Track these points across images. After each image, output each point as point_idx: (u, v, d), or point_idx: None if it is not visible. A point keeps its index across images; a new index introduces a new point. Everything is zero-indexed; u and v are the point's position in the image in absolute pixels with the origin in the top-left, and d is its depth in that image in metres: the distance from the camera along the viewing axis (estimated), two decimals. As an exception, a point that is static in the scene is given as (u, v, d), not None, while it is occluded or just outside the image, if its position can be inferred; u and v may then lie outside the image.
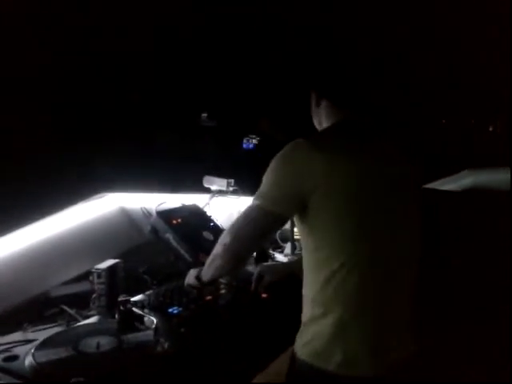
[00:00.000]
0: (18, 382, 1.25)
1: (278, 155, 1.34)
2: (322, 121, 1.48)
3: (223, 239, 1.42)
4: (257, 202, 1.35)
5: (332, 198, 1.28)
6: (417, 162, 1.46)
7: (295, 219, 1.39)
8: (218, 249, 1.44)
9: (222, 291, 1.81)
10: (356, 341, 1.30)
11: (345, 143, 1.35)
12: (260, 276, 1.81)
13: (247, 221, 1.37)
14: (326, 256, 1.31)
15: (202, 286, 1.61)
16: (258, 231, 1.37)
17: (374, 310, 1.33)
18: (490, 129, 2.49)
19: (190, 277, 1.63)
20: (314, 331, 1.34)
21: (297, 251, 2.24)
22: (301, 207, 1.31)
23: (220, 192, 2.44)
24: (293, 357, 1.39)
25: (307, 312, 1.37)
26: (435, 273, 2.16)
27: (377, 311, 1.33)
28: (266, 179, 1.36)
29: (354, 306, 1.31)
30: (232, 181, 2.42)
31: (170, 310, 1.61)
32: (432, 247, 2.28)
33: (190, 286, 1.65)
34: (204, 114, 2.66)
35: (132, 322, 1.54)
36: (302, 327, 1.39)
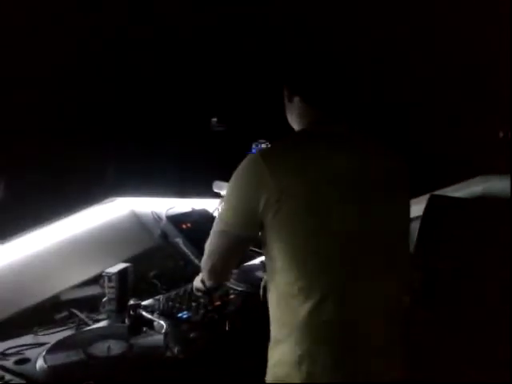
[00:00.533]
0: (30, 384, 1.25)
1: (234, 173, 1.28)
2: (293, 119, 1.38)
3: (204, 263, 1.42)
4: (217, 226, 1.33)
5: (283, 213, 1.19)
6: (398, 164, 1.35)
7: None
8: (202, 260, 1.44)
9: (231, 296, 1.81)
10: (317, 369, 1.19)
11: (304, 153, 1.25)
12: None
13: (214, 243, 1.36)
14: (287, 279, 1.22)
15: (206, 289, 1.61)
16: (225, 253, 1.36)
17: (343, 338, 1.21)
18: (501, 134, 2.47)
19: (197, 280, 1.64)
20: (277, 355, 1.26)
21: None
22: (258, 225, 1.24)
23: (229, 197, 2.44)
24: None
25: (272, 332, 1.29)
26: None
27: (345, 338, 1.21)
28: (224, 200, 1.34)
29: (319, 332, 1.20)
30: (241, 186, 2.41)
31: (180, 315, 1.62)
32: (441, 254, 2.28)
33: (196, 289, 1.66)
34: (214, 119, 2.67)
35: (142, 326, 1.55)
36: (269, 348, 1.31)
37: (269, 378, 1.29)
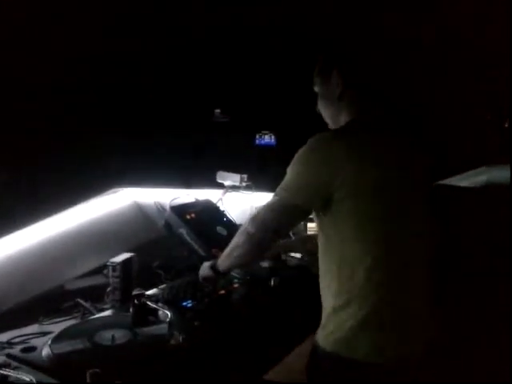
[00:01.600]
0: (36, 371, 1.26)
1: (303, 148, 1.34)
2: (340, 115, 1.45)
3: (246, 228, 1.43)
4: (281, 194, 1.36)
5: (359, 190, 1.28)
6: (430, 154, 1.47)
7: (315, 212, 1.38)
8: (239, 238, 1.46)
9: (236, 285, 1.82)
10: (382, 329, 1.31)
11: (368, 136, 1.35)
12: (272, 271, 1.81)
13: (271, 212, 1.39)
14: (352, 249, 1.31)
15: (216, 276, 1.62)
16: (281, 223, 1.40)
17: (399, 300, 1.34)
18: (506, 125, 2.46)
19: (205, 269, 1.64)
20: (338, 322, 1.34)
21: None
22: (325, 199, 1.31)
23: (233, 187, 2.44)
24: (314, 349, 1.39)
25: (330, 303, 1.37)
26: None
27: (401, 300, 1.34)
28: (291, 171, 1.36)
29: (379, 296, 1.31)
30: (245, 176, 2.42)
31: (184, 304, 1.63)
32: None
33: (204, 278, 1.66)
34: (217, 110, 2.67)
35: (146, 315, 1.56)
36: (324, 319, 1.39)
37: (325, 344, 1.35)
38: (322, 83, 1.48)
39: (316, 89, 1.52)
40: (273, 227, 1.40)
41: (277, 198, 1.38)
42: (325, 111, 1.51)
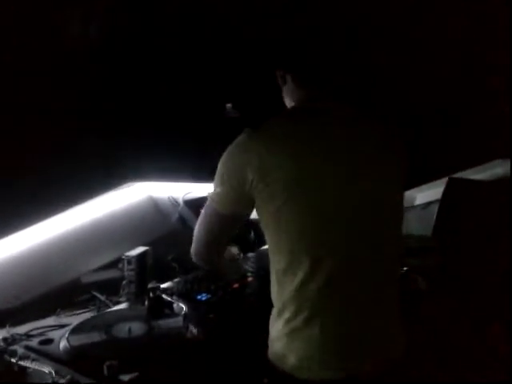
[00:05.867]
0: (54, 363, 1.28)
1: (224, 154, 1.28)
2: (286, 100, 1.39)
3: (192, 243, 1.43)
4: (208, 204, 1.34)
5: (272, 192, 1.19)
6: (390, 140, 1.33)
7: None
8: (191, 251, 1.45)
9: (249, 279, 1.82)
10: (308, 344, 1.21)
11: (291, 129, 1.25)
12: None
13: (203, 224, 1.37)
14: (280, 254, 1.23)
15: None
16: (214, 233, 1.36)
17: (334, 312, 1.22)
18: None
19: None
20: (273, 331, 1.28)
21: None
22: (250, 205, 1.25)
23: (246, 181, 2.44)
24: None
25: (273, 309, 1.30)
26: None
27: (337, 313, 1.22)
28: (215, 179, 1.30)
29: (310, 307, 1.20)
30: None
31: (199, 297, 1.64)
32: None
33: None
34: (229, 105, 2.66)
35: (161, 308, 1.57)
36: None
37: (269, 353, 1.29)
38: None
39: None
40: (207, 241, 1.38)
41: (205, 210, 1.36)
42: (283, 98, 1.42)
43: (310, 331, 1.20)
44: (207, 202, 1.34)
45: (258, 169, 1.19)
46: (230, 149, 1.27)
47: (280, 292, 1.25)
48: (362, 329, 1.24)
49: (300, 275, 1.20)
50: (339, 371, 1.22)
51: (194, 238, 1.41)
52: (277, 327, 1.26)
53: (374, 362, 1.24)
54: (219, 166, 1.29)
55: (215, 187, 1.31)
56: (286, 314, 1.23)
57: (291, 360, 1.22)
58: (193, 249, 1.42)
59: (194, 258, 1.44)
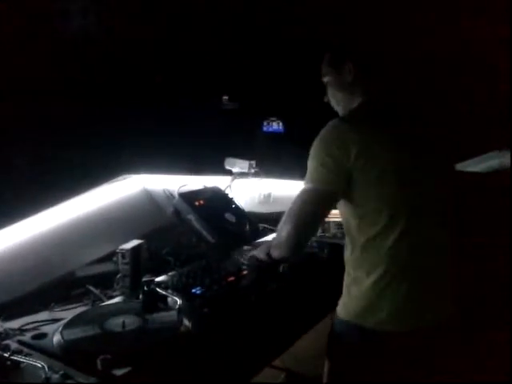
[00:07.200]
0: (47, 358, 1.27)
1: (319, 139, 1.43)
2: (353, 98, 1.54)
3: (282, 229, 1.48)
4: (308, 185, 1.44)
5: (372, 166, 1.38)
6: (445, 139, 1.56)
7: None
8: (280, 235, 1.50)
9: (245, 272, 1.82)
10: (396, 300, 1.39)
11: (381, 119, 1.46)
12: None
13: (303, 205, 1.45)
14: (369, 220, 1.41)
15: (266, 263, 1.68)
16: (315, 213, 1.45)
17: (416, 271, 1.41)
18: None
19: (262, 251, 1.70)
20: (355, 292, 1.44)
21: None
22: (347, 181, 1.40)
23: (241, 174, 2.43)
24: (333, 320, 1.50)
25: (349, 275, 1.48)
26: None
27: (418, 272, 1.41)
28: (312, 163, 1.44)
29: (396, 266, 1.39)
30: (253, 162, 2.41)
31: (194, 291, 1.63)
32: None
33: (257, 259, 1.72)
34: (225, 97, 2.65)
35: (156, 302, 1.56)
36: (343, 290, 1.48)
37: (341, 314, 1.47)
38: (334, 72, 1.58)
39: (326, 79, 1.62)
40: (307, 222, 1.46)
41: (304, 191, 1.45)
42: (336, 97, 1.60)
43: (398, 287, 1.39)
44: (303, 190, 1.45)
45: (359, 149, 1.37)
46: (327, 133, 1.43)
47: (359, 260, 1.44)
48: (436, 286, 1.46)
49: (390, 239, 1.39)
50: (421, 321, 1.42)
51: (293, 226, 1.45)
52: (360, 287, 1.42)
53: (438, 320, 1.44)
54: (317, 149, 1.43)
55: (314, 169, 1.43)
56: (375, 275, 1.40)
57: (379, 315, 1.39)
58: (289, 237, 1.46)
59: (287, 251, 1.51)
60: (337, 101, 1.61)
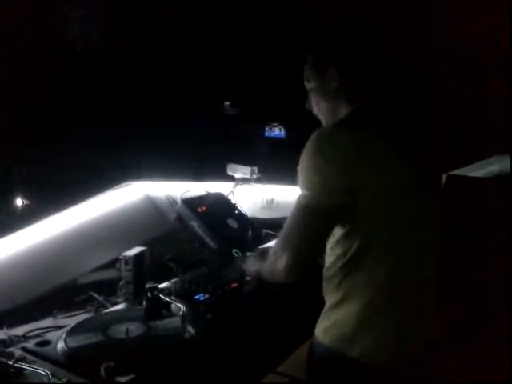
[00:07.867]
0: (51, 365, 1.27)
1: (307, 151, 1.27)
2: (339, 108, 1.39)
3: (279, 257, 1.31)
4: (302, 203, 1.28)
5: (370, 191, 1.25)
6: (437, 148, 1.44)
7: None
8: (277, 265, 1.33)
9: (248, 278, 1.82)
10: (384, 327, 1.31)
11: (375, 129, 1.31)
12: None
13: (298, 227, 1.29)
14: (355, 243, 1.29)
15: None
16: (312, 235, 1.30)
17: (403, 297, 1.33)
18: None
19: (253, 265, 1.65)
20: (338, 316, 1.33)
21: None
22: (343, 198, 1.25)
23: (244, 180, 2.44)
24: (312, 343, 1.39)
25: (332, 297, 1.36)
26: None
27: (405, 297, 1.34)
28: (303, 177, 1.29)
29: (383, 291, 1.30)
30: (256, 168, 2.42)
31: (197, 297, 1.63)
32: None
33: (252, 271, 1.66)
34: (227, 103, 2.66)
35: (159, 308, 1.56)
36: (324, 313, 1.38)
37: (325, 339, 1.35)
38: (317, 77, 1.42)
39: (308, 85, 1.46)
40: (306, 246, 1.30)
41: (299, 209, 1.29)
42: (319, 106, 1.45)
43: (386, 313, 1.31)
44: (297, 208, 1.28)
45: (352, 171, 1.25)
46: (315, 144, 1.27)
47: (344, 282, 1.32)
48: (422, 312, 1.37)
49: (369, 263, 1.29)
50: (403, 354, 1.33)
51: (291, 252, 1.29)
52: (344, 311, 1.32)
53: (425, 343, 1.37)
54: (307, 161, 1.27)
55: (307, 186, 1.27)
56: (351, 303, 1.30)
57: (364, 343, 1.29)
58: (288, 264, 1.29)
59: (288, 276, 1.32)
60: (319, 110, 1.46)
